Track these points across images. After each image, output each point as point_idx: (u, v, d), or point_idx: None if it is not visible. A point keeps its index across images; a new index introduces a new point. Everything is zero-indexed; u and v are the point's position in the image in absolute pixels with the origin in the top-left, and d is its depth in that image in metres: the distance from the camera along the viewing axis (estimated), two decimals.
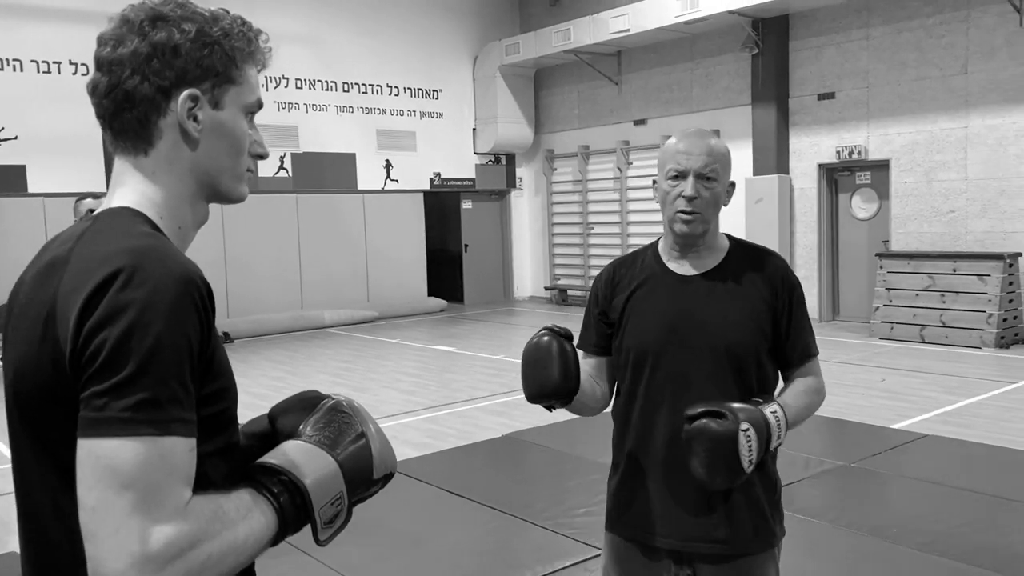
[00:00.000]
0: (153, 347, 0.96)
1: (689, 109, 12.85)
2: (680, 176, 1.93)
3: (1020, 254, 9.54)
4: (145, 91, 1.10)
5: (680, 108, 12.98)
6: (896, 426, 6.15)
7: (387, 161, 13.93)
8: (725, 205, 2.00)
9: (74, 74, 10.70)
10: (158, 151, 1.13)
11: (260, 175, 12.39)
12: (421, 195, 14.40)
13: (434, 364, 9.57)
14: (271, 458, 1.09)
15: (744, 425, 1.75)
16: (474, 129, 14.93)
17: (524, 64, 14.36)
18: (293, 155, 12.78)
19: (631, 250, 2.22)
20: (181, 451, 0.97)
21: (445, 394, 7.82)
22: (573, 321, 10.72)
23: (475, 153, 14.99)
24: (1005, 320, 9.29)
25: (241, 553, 1.00)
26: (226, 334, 11.24)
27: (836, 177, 11.57)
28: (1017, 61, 9.58)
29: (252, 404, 6.66)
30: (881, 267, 10.26)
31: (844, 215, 11.57)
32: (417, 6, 14.09)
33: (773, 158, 11.65)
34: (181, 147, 1.14)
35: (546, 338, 1.90)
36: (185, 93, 1.11)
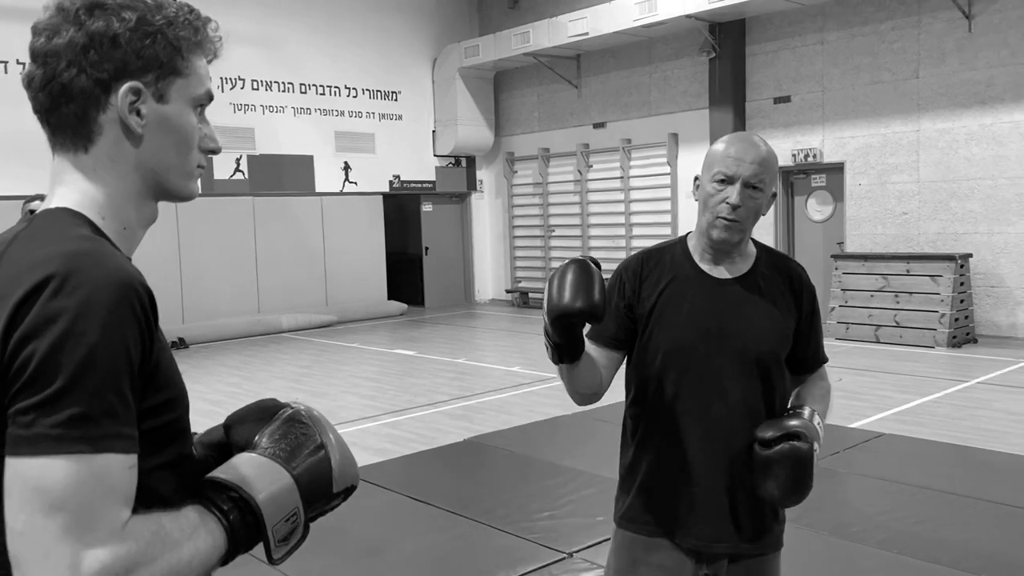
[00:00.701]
0: (86, 358, 0.89)
1: (648, 112, 12.93)
2: (727, 181, 1.88)
3: (971, 255, 9.74)
4: (82, 84, 1.03)
5: (639, 111, 13.05)
6: (853, 425, 6.22)
7: (345, 163, 13.80)
8: (764, 215, 1.97)
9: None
10: (98, 148, 1.07)
11: (216, 178, 12.20)
12: (380, 197, 14.28)
13: (394, 368, 9.47)
14: (221, 473, 1.04)
15: (816, 445, 1.81)
16: (434, 131, 14.86)
17: (483, 66, 14.33)
18: (249, 157, 12.59)
19: (657, 243, 2.16)
20: (118, 469, 0.90)
21: (406, 399, 7.74)
22: (535, 323, 10.72)
23: (435, 155, 14.92)
24: (957, 320, 9.47)
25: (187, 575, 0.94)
26: (181, 339, 11.02)
27: (792, 180, 11.72)
28: (966, 66, 9.79)
29: (208, 411, 6.58)
30: (836, 268, 10.41)
31: (800, 217, 11.72)
32: (374, 7, 13.99)
33: None
34: (123, 143, 1.07)
35: (581, 262, 1.80)
36: (126, 86, 1.04)
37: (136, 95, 1.05)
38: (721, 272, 1.99)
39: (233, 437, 1.13)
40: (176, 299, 11.67)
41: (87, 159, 1.07)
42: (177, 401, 1.05)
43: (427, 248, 15.13)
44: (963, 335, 9.56)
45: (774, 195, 1.97)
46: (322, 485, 1.09)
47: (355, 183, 13.91)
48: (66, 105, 1.04)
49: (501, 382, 8.29)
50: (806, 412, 1.90)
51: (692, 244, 2.04)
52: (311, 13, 13.20)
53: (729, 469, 1.92)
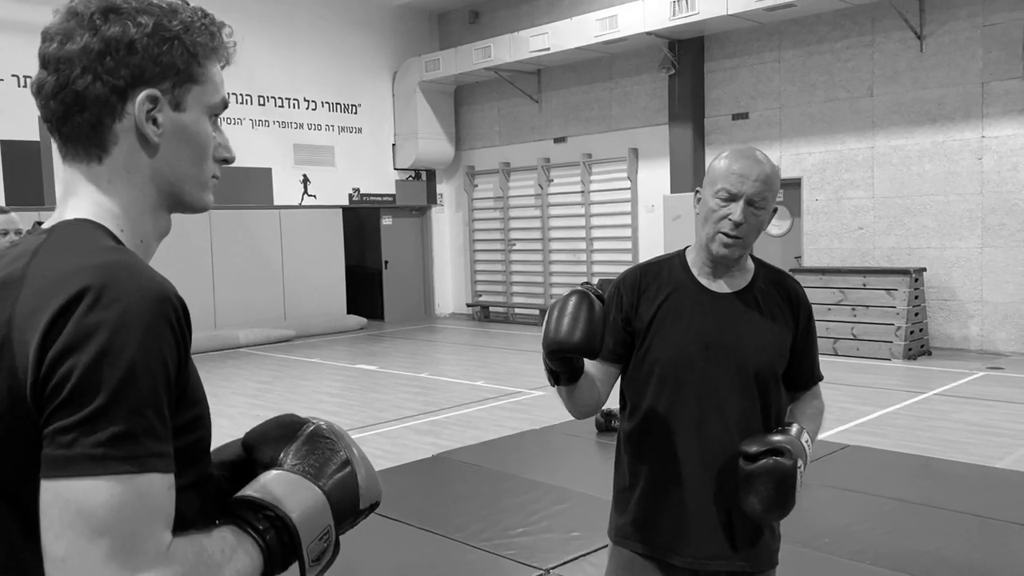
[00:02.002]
0: (126, 374, 0.86)
1: (608, 127, 13.03)
2: (730, 199, 1.88)
3: (924, 269, 9.97)
4: (98, 92, 0.99)
5: (599, 126, 13.15)
6: (818, 437, 6.28)
7: (304, 176, 13.66)
8: (764, 230, 1.97)
9: None
10: (113, 158, 1.02)
11: None
12: (340, 211, 14.16)
13: (357, 383, 9.36)
14: (253, 491, 1.00)
15: (799, 461, 1.81)
16: (394, 145, 14.79)
17: (444, 80, 14.32)
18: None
19: (655, 256, 2.16)
20: (160, 489, 0.87)
21: (370, 414, 7.65)
22: (496, 337, 10.67)
23: (395, 169, 14.85)
24: (912, 332, 9.67)
25: None
26: None
27: None
28: (918, 85, 10.05)
29: None
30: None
31: None
32: (333, 20, 13.91)
33: (690, 176, 11.89)
34: (139, 153, 1.02)
35: (579, 293, 1.83)
36: (143, 94, 1.00)
37: (153, 103, 1.01)
38: (720, 286, 1.99)
39: (257, 456, 1.09)
40: None
41: (101, 170, 1.03)
42: (204, 419, 1.01)
43: (387, 262, 15.03)
44: (918, 347, 9.76)
45: (775, 210, 1.98)
46: (350, 501, 1.07)
47: (314, 196, 13.78)
48: (80, 114, 1.00)
49: (465, 396, 8.24)
50: (794, 429, 1.90)
51: (691, 258, 2.04)
52: (270, 25, 13.07)
53: (725, 485, 1.92)
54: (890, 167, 10.37)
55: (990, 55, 9.53)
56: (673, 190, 12.02)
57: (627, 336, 2.01)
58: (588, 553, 4.07)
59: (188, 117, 1.05)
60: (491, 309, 14.90)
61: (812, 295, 10.19)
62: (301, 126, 13.57)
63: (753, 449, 1.82)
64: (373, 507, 1.10)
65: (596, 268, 13.30)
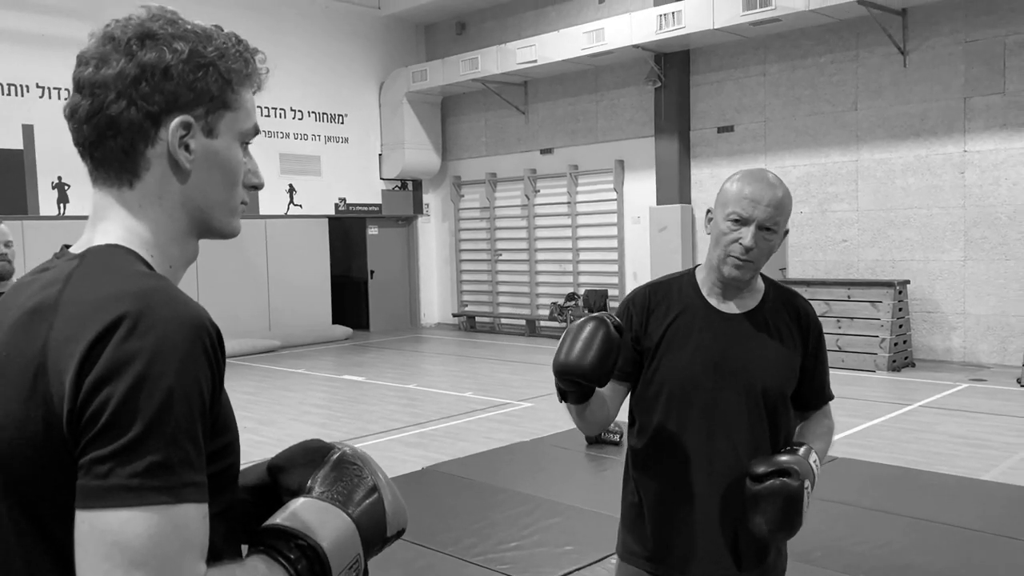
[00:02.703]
0: (163, 403, 0.85)
1: (595, 139, 13.08)
2: (741, 222, 1.88)
3: (908, 281, 10.06)
4: (132, 117, 0.99)
5: (585, 138, 13.20)
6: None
7: (290, 186, 13.62)
8: (775, 251, 1.97)
9: None
10: (145, 183, 1.02)
11: None
12: (326, 220, 14.11)
13: (344, 395, 9.32)
14: (283, 520, 0.99)
15: (807, 482, 1.81)
16: (380, 155, 14.78)
17: (431, 91, 14.34)
18: None
19: (665, 275, 2.15)
20: (195, 519, 0.86)
21: (358, 426, 7.61)
22: (483, 348, 10.67)
23: (381, 179, 14.83)
24: (896, 344, 9.76)
25: None
26: None
27: None
28: (902, 99, 10.17)
29: None
30: None
31: None
32: (320, 30, 13.90)
33: (676, 188, 11.96)
34: (170, 179, 1.02)
35: (595, 320, 1.83)
36: (177, 120, 1.00)
37: (186, 129, 1.01)
38: (729, 307, 2.00)
39: (283, 482, 1.08)
40: None
41: (132, 195, 1.02)
42: (234, 445, 1.00)
43: (373, 272, 14.99)
44: (902, 359, 9.85)
45: (787, 232, 1.98)
46: (378, 528, 1.06)
47: (300, 206, 13.73)
48: (113, 139, 1.00)
49: (454, 408, 8.22)
50: (802, 450, 1.90)
51: (701, 277, 2.04)
52: (256, 34, 12.81)
53: (732, 505, 1.92)
54: (874, 180, 10.47)
55: (972, 71, 9.66)
56: (659, 202, 12.08)
57: (636, 355, 2.01)
58: (582, 567, 4.07)
59: (220, 143, 1.05)
60: (477, 319, 14.89)
61: None
62: (287, 135, 13.53)
63: (760, 470, 1.82)
64: (399, 533, 1.10)
65: (582, 279, 13.33)
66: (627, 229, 12.76)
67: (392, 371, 10.71)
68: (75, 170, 11.26)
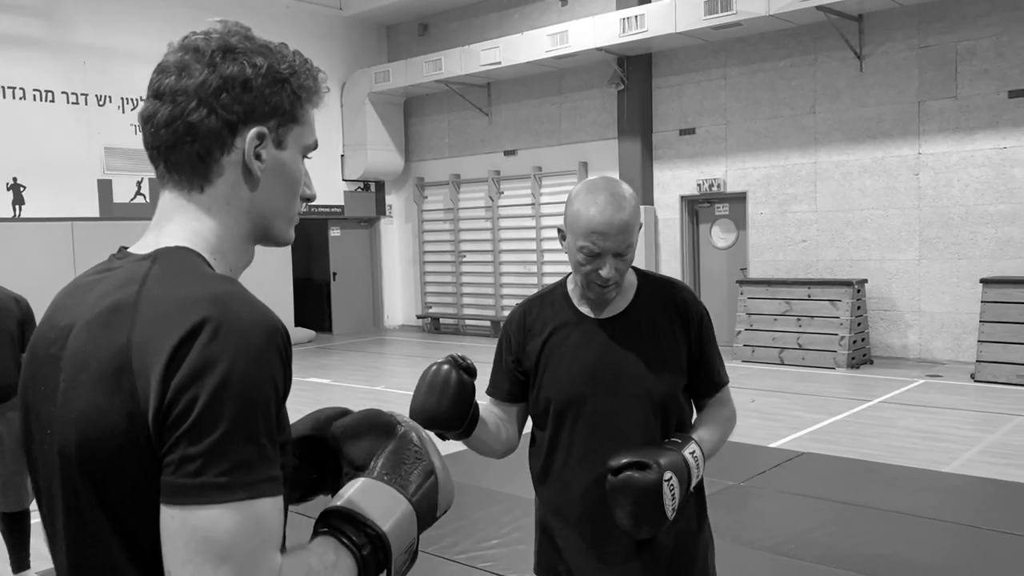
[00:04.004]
0: (245, 403, 0.90)
1: (558, 141, 13.18)
2: (594, 257, 1.83)
3: (866, 280, 10.32)
4: (211, 125, 1.04)
5: (549, 140, 13.29)
6: (772, 445, 6.47)
7: None
8: (633, 259, 1.92)
9: None
10: (216, 188, 1.06)
11: (115, 201, 11.77)
12: None
13: (311, 397, 9.25)
14: (350, 504, 1.03)
15: (667, 475, 1.73)
16: (342, 156, 14.71)
17: (394, 92, 14.31)
18: (151, 180, 12.12)
19: (536, 291, 2.11)
20: (273, 513, 0.91)
21: None
22: (448, 349, 10.70)
23: (344, 180, 14.76)
24: (855, 342, 10.00)
25: None
26: None
27: (697, 208, 12.15)
28: (858, 103, 10.42)
29: None
30: (742, 293, 10.83)
31: (705, 244, 12.16)
32: (281, 31, 13.74)
33: (638, 190, 12.10)
34: (241, 186, 1.07)
35: (445, 367, 1.80)
36: (253, 130, 1.05)
37: (260, 139, 1.06)
38: (598, 313, 1.95)
39: (347, 452, 1.12)
40: None
41: (202, 199, 1.07)
42: (289, 444, 1.04)
43: (335, 273, 14.91)
44: (860, 356, 10.09)
45: (640, 226, 1.91)
46: (431, 511, 1.11)
47: None
48: (191, 144, 1.04)
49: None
50: (681, 440, 1.84)
51: (571, 287, 2.00)
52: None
53: None
54: (832, 182, 10.72)
55: (926, 75, 9.94)
56: None
57: (520, 376, 1.99)
58: None
59: (287, 155, 1.10)
60: (441, 321, 14.89)
61: (758, 306, 10.53)
62: None
63: (615, 463, 1.76)
64: (445, 512, 1.14)
65: (546, 280, 13.41)
66: None
67: (358, 373, 10.67)
68: (32, 171, 11.06)
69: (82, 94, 11.54)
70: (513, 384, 2.01)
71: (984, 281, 9.19)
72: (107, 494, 0.94)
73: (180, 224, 1.06)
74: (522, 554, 4.27)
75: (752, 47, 11.21)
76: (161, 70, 1.05)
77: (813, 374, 9.60)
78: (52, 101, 11.28)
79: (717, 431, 1.97)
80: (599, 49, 11.50)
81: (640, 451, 1.78)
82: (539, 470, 2.01)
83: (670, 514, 1.74)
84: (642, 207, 12.08)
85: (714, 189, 11.61)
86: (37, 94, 11.14)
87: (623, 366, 1.90)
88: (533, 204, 13.48)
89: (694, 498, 1.97)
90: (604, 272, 1.83)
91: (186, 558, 0.87)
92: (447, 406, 1.77)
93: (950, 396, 8.21)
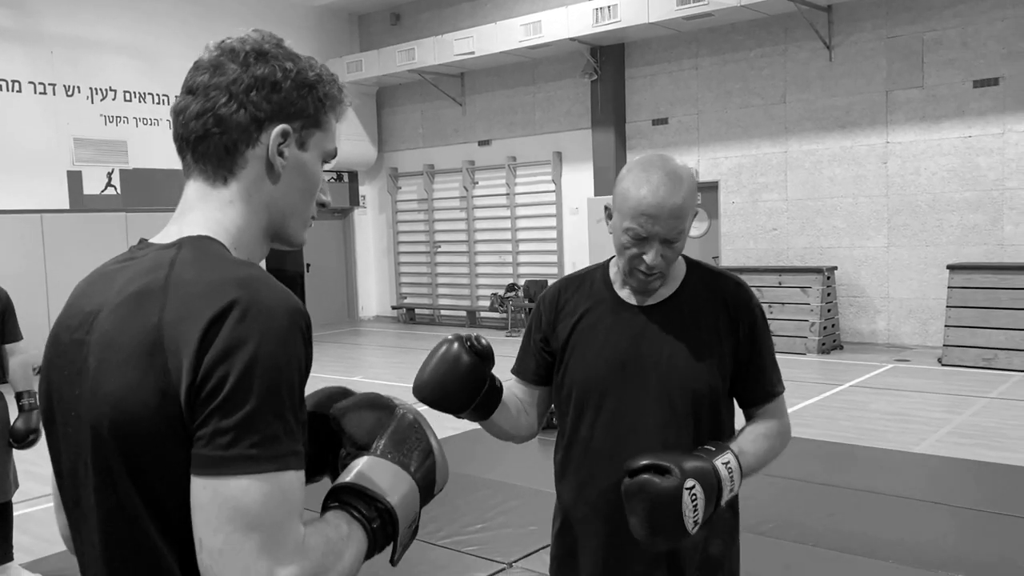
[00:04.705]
0: (273, 381, 0.95)
1: (532, 131, 13.22)
2: (642, 241, 1.68)
3: (835, 268, 10.50)
4: (240, 119, 1.09)
5: (523, 130, 13.33)
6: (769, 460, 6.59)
7: None
8: (682, 249, 1.76)
9: None
10: (239, 181, 1.11)
11: (85, 192, 11.62)
12: None
13: None
14: (360, 480, 1.08)
15: (689, 483, 1.55)
16: None
17: (366, 82, 14.25)
18: (122, 171, 12.00)
19: (580, 269, 1.97)
20: (296, 485, 0.96)
21: None
22: (424, 339, 10.75)
23: None
24: (825, 328, 10.18)
25: None
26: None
27: None
28: (828, 93, 10.58)
29: None
30: None
31: None
32: (252, 20, 13.64)
33: (613, 180, 12.12)
34: (263, 180, 1.12)
35: (454, 345, 1.70)
36: (279, 128, 1.11)
37: (284, 137, 1.11)
38: (641, 298, 1.80)
39: (349, 430, 1.16)
40: (43, 320, 10.93)
41: (225, 191, 1.11)
42: (306, 424, 1.08)
43: (308, 265, 14.85)
44: (831, 342, 10.28)
45: (696, 214, 1.78)
46: (431, 488, 1.16)
47: None
48: (219, 135, 1.09)
49: (402, 399, 8.24)
50: (711, 449, 1.67)
51: (614, 270, 1.85)
52: (186, 24, 12.75)
53: None
54: (802, 171, 10.87)
55: (893, 65, 10.12)
56: (597, 193, 12.29)
57: (547, 357, 1.86)
58: (546, 546, 4.17)
59: (308, 157, 1.15)
60: (417, 311, 14.90)
61: None
62: None
63: (634, 464, 1.60)
64: (441, 489, 1.19)
65: (522, 270, 13.48)
66: (566, 220, 12.95)
67: (334, 364, 10.67)
68: None
69: (50, 84, 11.37)
70: (540, 365, 1.88)
71: (950, 267, 9.40)
72: (139, 468, 0.98)
73: (202, 213, 1.11)
74: (507, 539, 4.34)
75: (723, 37, 11.32)
76: (196, 68, 1.12)
77: (785, 360, 9.67)
78: (19, 91, 11.10)
79: (763, 444, 1.78)
80: (572, 39, 11.54)
81: (663, 454, 1.61)
82: (558, 464, 1.89)
83: (690, 527, 1.56)
84: (606, 210, 12.13)
85: None
86: (4, 84, 10.95)
87: (655, 359, 1.74)
88: (508, 194, 13.53)
89: (728, 516, 1.79)
90: (649, 258, 1.67)
91: (218, 527, 0.91)
92: (450, 385, 1.69)
93: (918, 380, 8.40)
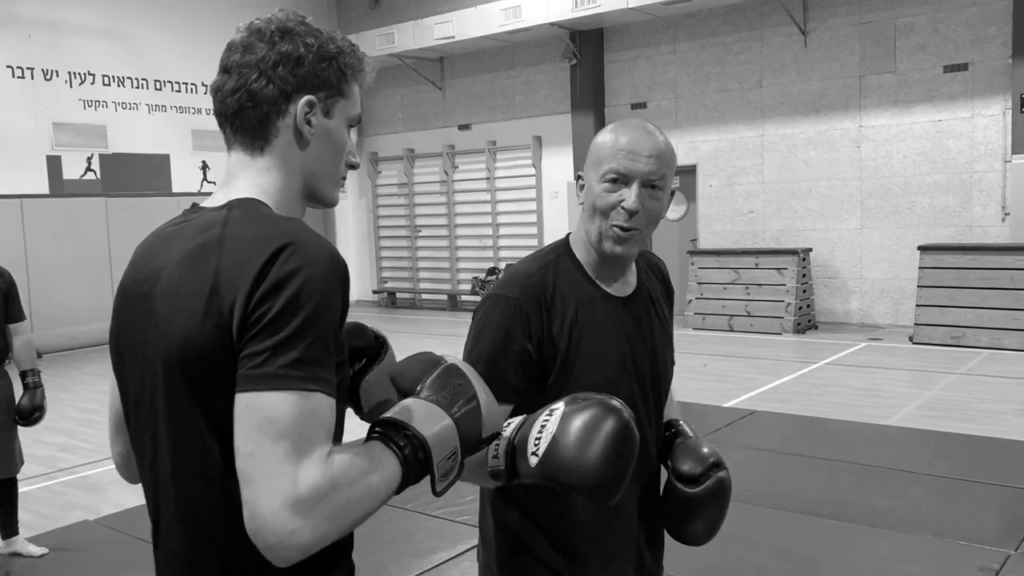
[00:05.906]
0: (312, 313, 1.08)
1: (512, 115, 13.32)
2: (620, 181, 1.56)
3: (811, 249, 10.73)
4: (269, 93, 1.22)
5: (503, 114, 13.43)
6: (727, 404, 6.80)
7: (203, 162, 13.37)
8: (662, 219, 1.64)
9: None
10: (273, 148, 1.25)
11: (65, 177, 11.59)
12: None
13: None
14: (395, 414, 1.20)
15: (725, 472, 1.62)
16: None
17: None
18: (101, 156, 11.97)
19: (530, 258, 1.72)
20: (325, 407, 1.08)
21: None
22: (406, 323, 10.87)
23: None
24: (800, 308, 10.42)
25: (374, 499, 1.11)
26: None
27: None
28: (803, 77, 10.78)
29: (85, 420, 6.45)
30: (693, 263, 11.17)
31: None
32: (230, 3, 13.59)
33: None
34: (294, 147, 1.25)
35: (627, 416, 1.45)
36: (304, 99, 1.23)
37: (310, 107, 1.24)
38: (619, 288, 1.69)
39: (399, 385, 1.30)
40: (24, 304, 10.92)
41: (262, 159, 1.25)
42: (346, 364, 1.22)
43: None
44: (806, 322, 10.53)
45: (673, 193, 1.65)
46: (474, 430, 1.27)
47: (214, 183, 13.48)
48: (252, 109, 1.23)
49: None
50: (686, 431, 1.71)
51: (582, 256, 1.67)
52: (165, 8, 12.71)
53: (647, 508, 1.72)
54: (778, 154, 11.08)
55: (867, 51, 10.33)
56: (577, 177, 12.41)
57: (534, 369, 1.58)
58: None
59: (334, 123, 1.28)
60: (398, 295, 14.99)
61: (708, 275, 10.89)
62: (199, 111, 13.25)
63: (690, 470, 1.57)
64: (493, 436, 1.32)
65: (503, 254, 13.61)
66: (546, 204, 13.09)
67: None
68: None
69: (28, 68, 11.30)
70: (523, 379, 1.57)
71: (921, 248, 9.65)
72: (205, 397, 1.13)
73: (246, 180, 1.25)
74: None
75: (701, 22, 11.48)
76: (229, 48, 1.25)
77: (761, 340, 9.99)
78: None
79: (678, 413, 1.84)
80: (552, 24, 11.65)
81: (701, 452, 1.62)
82: None
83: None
84: (577, 180, 12.28)
85: None
86: None
87: (646, 351, 1.69)
88: (488, 178, 13.63)
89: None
90: (629, 201, 1.54)
91: (249, 435, 1.04)
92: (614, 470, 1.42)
93: (890, 357, 8.66)
